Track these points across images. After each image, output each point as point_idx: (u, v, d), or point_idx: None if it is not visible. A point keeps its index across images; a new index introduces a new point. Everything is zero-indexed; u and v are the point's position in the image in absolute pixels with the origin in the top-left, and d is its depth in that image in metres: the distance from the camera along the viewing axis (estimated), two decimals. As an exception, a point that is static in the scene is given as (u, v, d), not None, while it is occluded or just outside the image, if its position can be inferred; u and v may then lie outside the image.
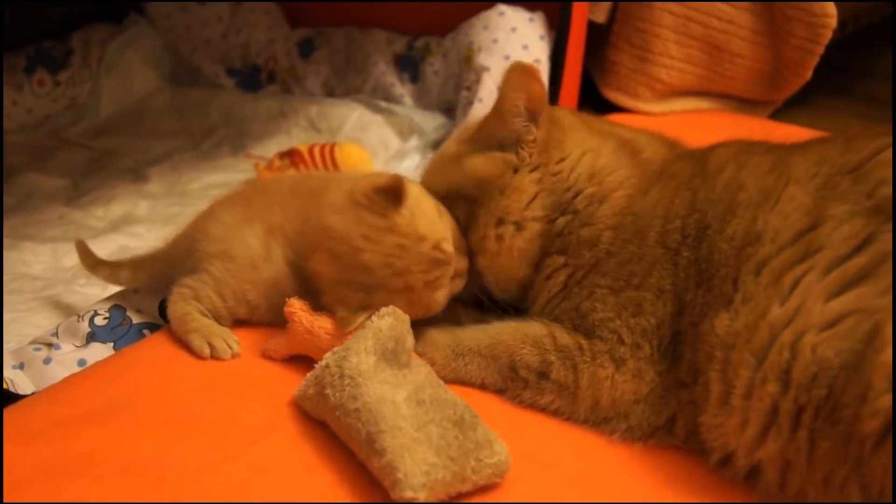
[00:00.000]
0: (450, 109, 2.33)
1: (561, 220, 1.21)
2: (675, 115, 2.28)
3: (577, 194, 1.20)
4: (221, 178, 2.19)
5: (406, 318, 1.16)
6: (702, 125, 2.18)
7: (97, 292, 1.63)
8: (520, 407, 1.20)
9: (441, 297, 1.23)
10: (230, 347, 1.27)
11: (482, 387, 1.23)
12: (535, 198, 1.22)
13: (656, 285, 1.13)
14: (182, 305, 1.31)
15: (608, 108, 2.31)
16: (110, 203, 2.01)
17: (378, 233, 1.18)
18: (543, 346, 1.18)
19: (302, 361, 1.24)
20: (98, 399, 1.19)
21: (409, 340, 1.16)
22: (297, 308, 1.25)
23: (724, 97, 2.32)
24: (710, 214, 1.12)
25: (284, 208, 1.34)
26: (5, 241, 1.79)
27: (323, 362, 1.14)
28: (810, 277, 0.99)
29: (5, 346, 1.45)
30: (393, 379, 1.11)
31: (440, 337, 1.27)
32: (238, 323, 1.34)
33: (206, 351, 1.27)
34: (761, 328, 1.00)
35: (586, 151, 1.23)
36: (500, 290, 1.27)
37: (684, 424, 1.09)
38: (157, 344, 1.31)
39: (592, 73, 2.38)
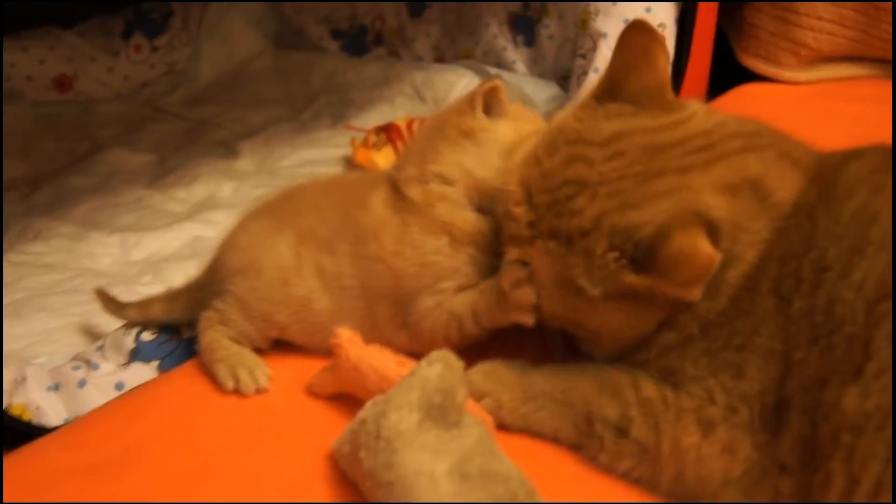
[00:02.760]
0: (566, 78, 2.10)
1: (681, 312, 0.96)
2: (822, 85, 1.98)
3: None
4: (316, 153, 2.04)
5: (459, 366, 0.98)
6: (853, 96, 1.90)
7: (159, 292, 1.50)
8: (598, 469, 1.00)
9: None
10: (256, 381, 1.12)
11: (555, 440, 1.04)
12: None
13: (765, 346, 0.90)
14: (209, 333, 1.17)
15: (745, 76, 2.04)
16: (193, 184, 1.89)
17: None
18: (625, 397, 0.98)
19: (353, 401, 1.07)
20: (114, 444, 1.06)
21: (461, 394, 0.97)
22: (344, 340, 1.09)
23: (882, 63, 2.01)
24: (832, 253, 0.88)
25: (318, 210, 1.19)
26: (73, 231, 1.69)
27: (361, 414, 0.97)
28: (963, 353, 0.76)
29: (54, 357, 1.35)
30: (437, 443, 0.93)
31: (510, 375, 1.08)
32: (282, 352, 1.19)
33: (230, 384, 1.12)
34: None
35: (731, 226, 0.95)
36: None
37: None
38: (189, 376, 1.17)
39: (729, 36, 2.11)
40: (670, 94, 1.04)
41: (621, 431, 0.98)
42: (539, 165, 1.01)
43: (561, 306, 1.01)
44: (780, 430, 0.88)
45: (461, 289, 1.11)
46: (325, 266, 1.14)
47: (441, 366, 0.97)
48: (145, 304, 1.32)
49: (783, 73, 2.01)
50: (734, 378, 0.91)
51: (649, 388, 0.97)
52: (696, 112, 1.02)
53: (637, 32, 1.02)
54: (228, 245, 1.22)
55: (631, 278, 0.91)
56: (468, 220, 1.11)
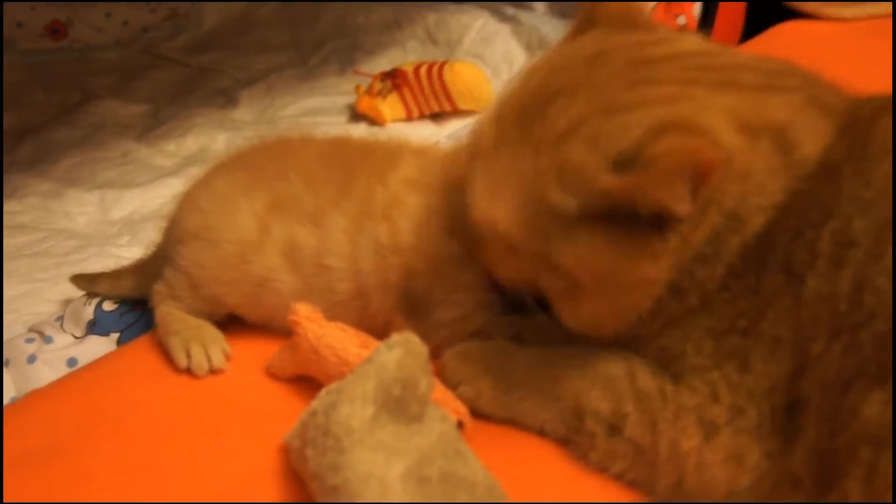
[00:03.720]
0: (588, 16, 1.94)
1: (680, 274, 0.80)
2: (868, 22, 1.81)
3: (712, 238, 0.79)
4: (320, 102, 1.92)
5: (422, 352, 0.84)
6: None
7: (135, 254, 1.39)
8: (589, 469, 0.87)
9: None
10: (210, 360, 1.00)
11: (541, 433, 0.91)
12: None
13: (770, 332, 0.75)
14: (162, 307, 1.05)
15: (784, 13, 1.86)
16: (185, 136, 1.77)
17: None
18: (618, 389, 0.84)
19: (316, 384, 0.95)
20: (49, 432, 0.95)
21: (424, 383, 0.84)
22: (302, 317, 0.96)
23: (939, -4, 1.83)
24: (859, 224, 0.72)
25: (308, 178, 1.03)
26: (51, 188, 1.58)
27: (313, 405, 0.85)
28: None
29: (13, 327, 1.24)
30: (393, 441, 0.80)
31: (490, 359, 0.95)
32: (243, 326, 1.07)
33: (184, 361, 1.00)
34: None
35: (736, 178, 0.78)
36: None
37: None
38: (139, 353, 1.05)
39: (766, -31, 1.93)
40: (645, 16, 0.90)
41: (614, 429, 0.84)
42: (513, 91, 0.85)
43: (531, 239, 0.81)
44: (793, 437, 0.74)
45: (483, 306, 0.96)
46: (303, 241, 0.99)
47: (401, 351, 0.84)
48: (116, 276, 1.21)
49: (825, 10, 1.85)
50: (740, 371, 0.77)
51: (646, 380, 0.83)
52: (683, 35, 0.87)
53: None
54: (188, 202, 1.08)
55: (608, 180, 0.73)
56: None
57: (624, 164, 0.73)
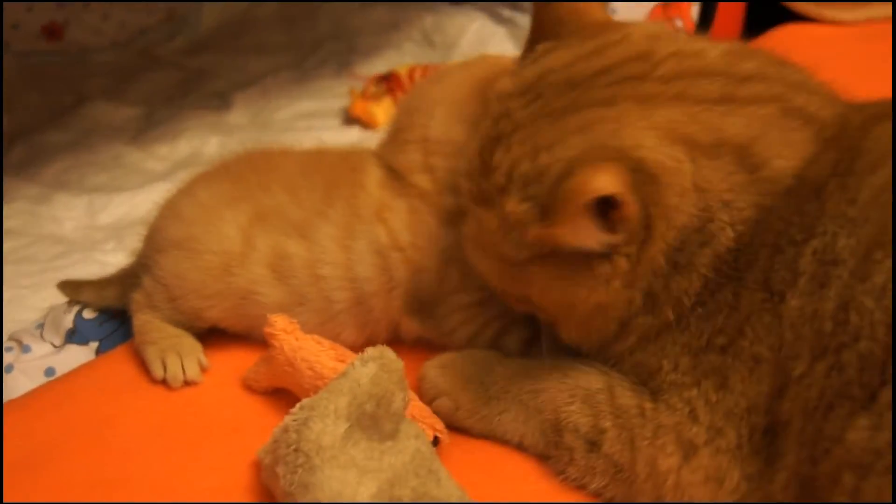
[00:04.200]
0: (586, 18, 1.92)
1: (654, 283, 0.78)
2: (870, 25, 1.78)
3: (678, 249, 0.77)
4: (314, 105, 1.89)
5: (398, 367, 0.83)
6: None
7: (120, 260, 1.37)
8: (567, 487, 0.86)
9: None
10: (185, 372, 0.98)
11: (520, 447, 0.90)
12: (630, 298, 0.80)
13: (749, 351, 0.73)
14: (140, 316, 1.03)
15: (784, 15, 1.84)
16: (178, 139, 1.74)
17: None
18: (597, 404, 0.83)
19: (293, 397, 0.93)
20: (20, 445, 0.93)
21: (398, 399, 0.82)
22: (278, 329, 0.94)
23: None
24: (844, 242, 0.70)
25: (291, 188, 1.03)
26: (39, 192, 1.56)
27: (285, 421, 0.83)
28: None
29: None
30: (365, 459, 0.78)
31: (471, 371, 0.94)
32: (222, 336, 1.05)
33: (160, 372, 0.99)
34: None
35: (693, 189, 0.76)
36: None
37: None
38: (116, 363, 1.04)
39: (766, -29, 1.90)
40: (591, 15, 0.88)
41: (593, 444, 0.83)
42: (476, 132, 0.86)
43: (506, 282, 0.87)
44: (773, 460, 0.72)
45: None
46: (292, 252, 0.99)
47: (375, 366, 0.83)
48: (101, 286, 1.18)
49: (826, 13, 1.82)
50: (718, 389, 0.75)
51: (625, 396, 0.82)
52: (631, 34, 0.84)
53: None
54: (169, 210, 1.07)
55: (535, 230, 0.76)
56: None
57: (547, 209, 0.75)
